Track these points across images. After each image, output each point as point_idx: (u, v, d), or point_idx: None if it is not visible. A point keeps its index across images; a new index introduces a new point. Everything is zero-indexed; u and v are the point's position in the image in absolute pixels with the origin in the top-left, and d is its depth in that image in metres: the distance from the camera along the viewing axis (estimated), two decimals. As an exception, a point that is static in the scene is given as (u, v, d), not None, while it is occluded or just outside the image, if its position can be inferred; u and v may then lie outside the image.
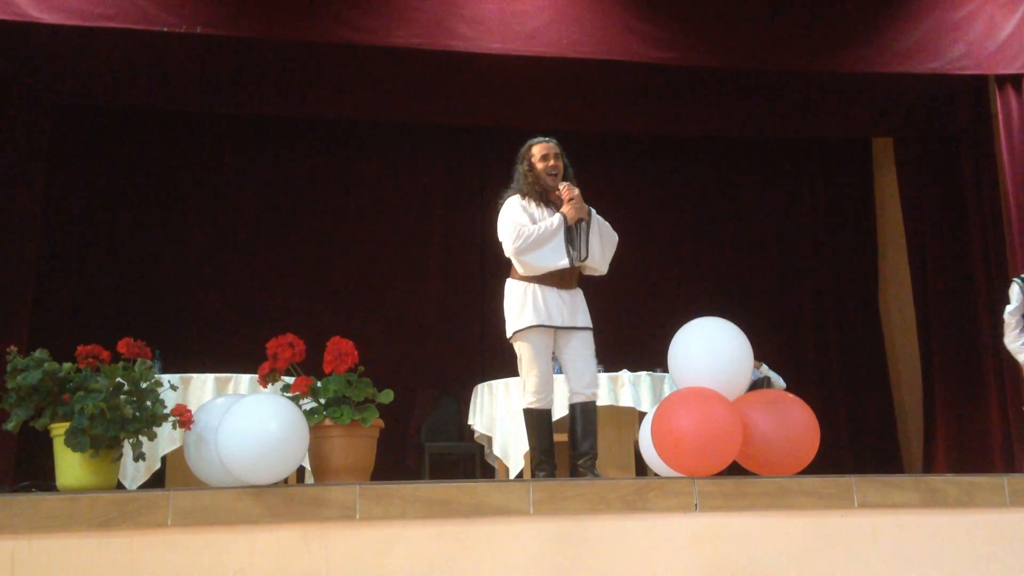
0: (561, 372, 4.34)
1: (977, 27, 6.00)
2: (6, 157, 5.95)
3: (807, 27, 5.97)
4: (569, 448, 4.26)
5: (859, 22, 5.96)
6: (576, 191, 4.25)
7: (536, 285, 4.18)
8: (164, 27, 5.17)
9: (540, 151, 4.34)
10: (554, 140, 4.40)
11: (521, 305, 4.18)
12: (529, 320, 4.14)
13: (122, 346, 3.32)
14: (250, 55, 6.01)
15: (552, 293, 4.18)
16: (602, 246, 4.31)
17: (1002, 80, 6.24)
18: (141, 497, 2.63)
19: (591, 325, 4.27)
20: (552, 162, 4.30)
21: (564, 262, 4.17)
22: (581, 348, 4.20)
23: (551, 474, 4.18)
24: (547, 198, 4.29)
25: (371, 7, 5.48)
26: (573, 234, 4.21)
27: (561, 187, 4.26)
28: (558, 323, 4.16)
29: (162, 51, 5.81)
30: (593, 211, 4.32)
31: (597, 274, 4.40)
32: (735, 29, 5.90)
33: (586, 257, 4.23)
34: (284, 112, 6.83)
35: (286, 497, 2.70)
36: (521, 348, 4.20)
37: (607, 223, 4.37)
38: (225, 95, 6.47)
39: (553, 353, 4.26)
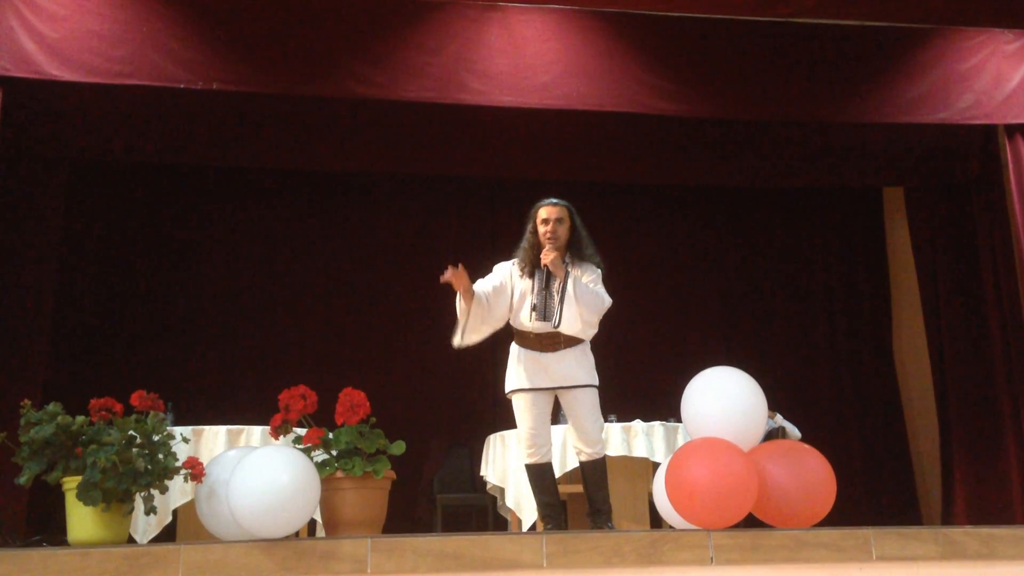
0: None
1: (985, 78, 6.04)
2: (22, 212, 6.02)
3: (815, 78, 6.02)
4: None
5: (867, 73, 6.01)
6: (553, 255, 4.05)
7: (522, 349, 4.24)
8: (180, 84, 5.25)
9: (543, 214, 4.16)
10: (563, 203, 4.19)
11: (511, 368, 4.27)
12: (512, 384, 4.25)
13: (135, 399, 3.34)
14: (264, 110, 6.09)
15: (533, 357, 4.18)
16: (578, 313, 4.05)
17: (1011, 130, 6.26)
18: (152, 551, 2.62)
19: (591, 382, 4.17)
20: (551, 227, 4.12)
21: (528, 326, 4.16)
22: (577, 406, 4.16)
23: (557, 527, 4.15)
24: (540, 265, 4.12)
25: (383, 62, 5.55)
26: (546, 298, 4.09)
27: (543, 254, 4.10)
28: (540, 386, 4.17)
29: (177, 107, 5.89)
30: (574, 276, 4.10)
31: (579, 339, 4.17)
32: (744, 81, 5.95)
33: (558, 324, 4.06)
34: (296, 166, 6.89)
35: (297, 551, 2.69)
36: (513, 406, 4.28)
37: (595, 289, 4.12)
38: (238, 149, 6.52)
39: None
